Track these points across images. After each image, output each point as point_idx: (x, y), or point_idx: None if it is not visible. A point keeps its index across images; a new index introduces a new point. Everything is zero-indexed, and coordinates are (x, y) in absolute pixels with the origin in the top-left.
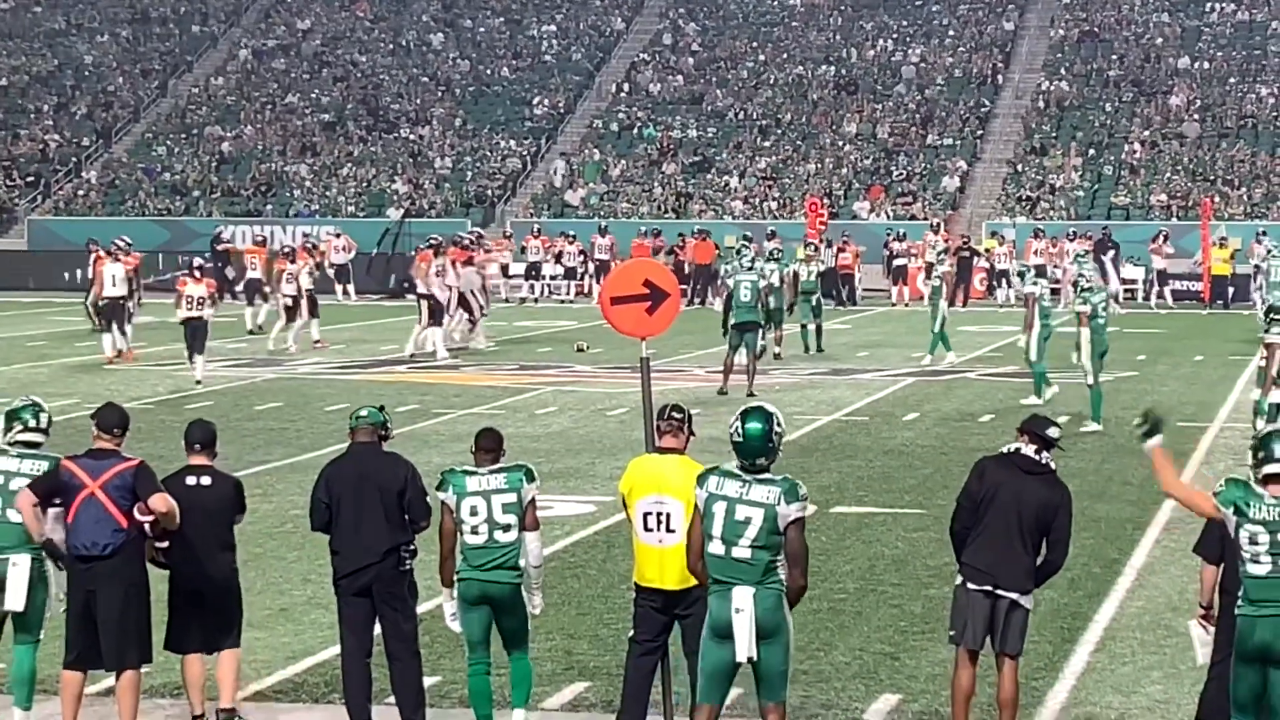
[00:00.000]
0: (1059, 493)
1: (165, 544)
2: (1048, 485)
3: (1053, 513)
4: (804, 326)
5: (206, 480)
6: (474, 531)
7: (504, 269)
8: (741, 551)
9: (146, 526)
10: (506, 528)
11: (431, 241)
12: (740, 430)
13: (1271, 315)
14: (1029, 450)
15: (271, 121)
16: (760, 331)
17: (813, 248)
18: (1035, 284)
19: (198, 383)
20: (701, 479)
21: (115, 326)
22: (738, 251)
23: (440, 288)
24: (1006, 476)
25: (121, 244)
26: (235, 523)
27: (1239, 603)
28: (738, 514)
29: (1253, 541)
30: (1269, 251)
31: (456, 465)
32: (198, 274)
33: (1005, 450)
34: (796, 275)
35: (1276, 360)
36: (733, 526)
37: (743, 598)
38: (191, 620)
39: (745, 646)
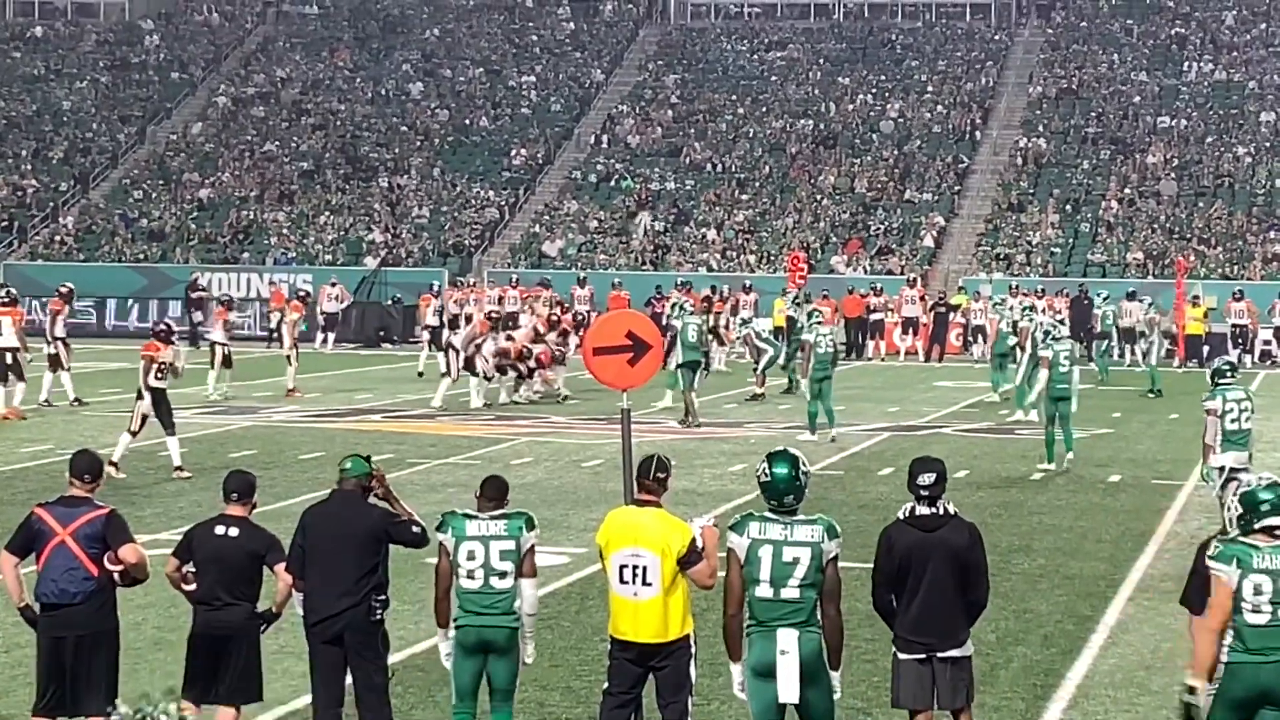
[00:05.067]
0: (966, 534)
1: (192, 587)
2: (954, 532)
3: (966, 554)
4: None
5: (234, 531)
6: (470, 576)
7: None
8: (790, 592)
9: (116, 576)
10: (503, 574)
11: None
12: (768, 472)
13: (1215, 380)
14: (923, 509)
15: (250, 169)
16: (700, 367)
17: (797, 298)
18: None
19: (178, 469)
20: (740, 526)
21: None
22: (677, 305)
23: (465, 339)
24: (914, 540)
25: (62, 291)
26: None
27: (1230, 649)
28: (785, 555)
29: (1256, 592)
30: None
31: (458, 508)
32: (171, 338)
33: (902, 516)
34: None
35: (1209, 428)
36: (781, 568)
37: (788, 640)
38: (202, 669)
39: (791, 688)
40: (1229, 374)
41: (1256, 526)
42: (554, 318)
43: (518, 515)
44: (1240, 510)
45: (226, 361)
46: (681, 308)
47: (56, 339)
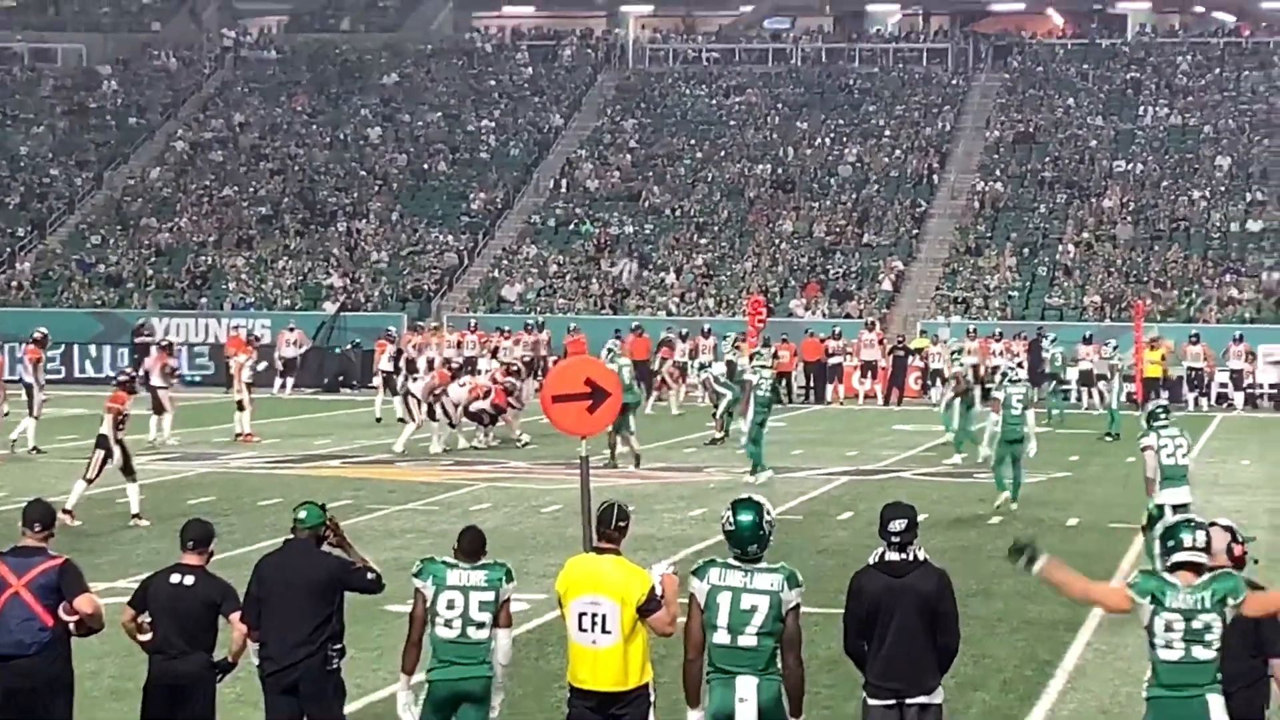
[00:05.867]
0: (935, 580)
1: (148, 636)
2: (923, 578)
3: (936, 601)
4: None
5: (190, 580)
6: (447, 625)
7: (446, 362)
8: (748, 640)
9: (72, 626)
10: (480, 625)
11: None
12: (733, 520)
13: (1149, 421)
14: (893, 555)
15: (208, 214)
16: (634, 410)
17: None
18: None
19: (136, 516)
20: (701, 571)
21: None
22: (609, 350)
23: (424, 390)
24: (883, 585)
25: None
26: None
27: (1148, 685)
28: (743, 603)
29: (1168, 629)
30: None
31: (436, 555)
32: (135, 388)
33: (872, 562)
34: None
35: (1149, 463)
36: (739, 615)
37: (746, 687)
38: (159, 719)
39: None
40: (1163, 415)
41: (1175, 562)
42: (514, 366)
43: (498, 566)
44: (1161, 548)
45: (159, 407)
46: (611, 351)
47: (34, 384)
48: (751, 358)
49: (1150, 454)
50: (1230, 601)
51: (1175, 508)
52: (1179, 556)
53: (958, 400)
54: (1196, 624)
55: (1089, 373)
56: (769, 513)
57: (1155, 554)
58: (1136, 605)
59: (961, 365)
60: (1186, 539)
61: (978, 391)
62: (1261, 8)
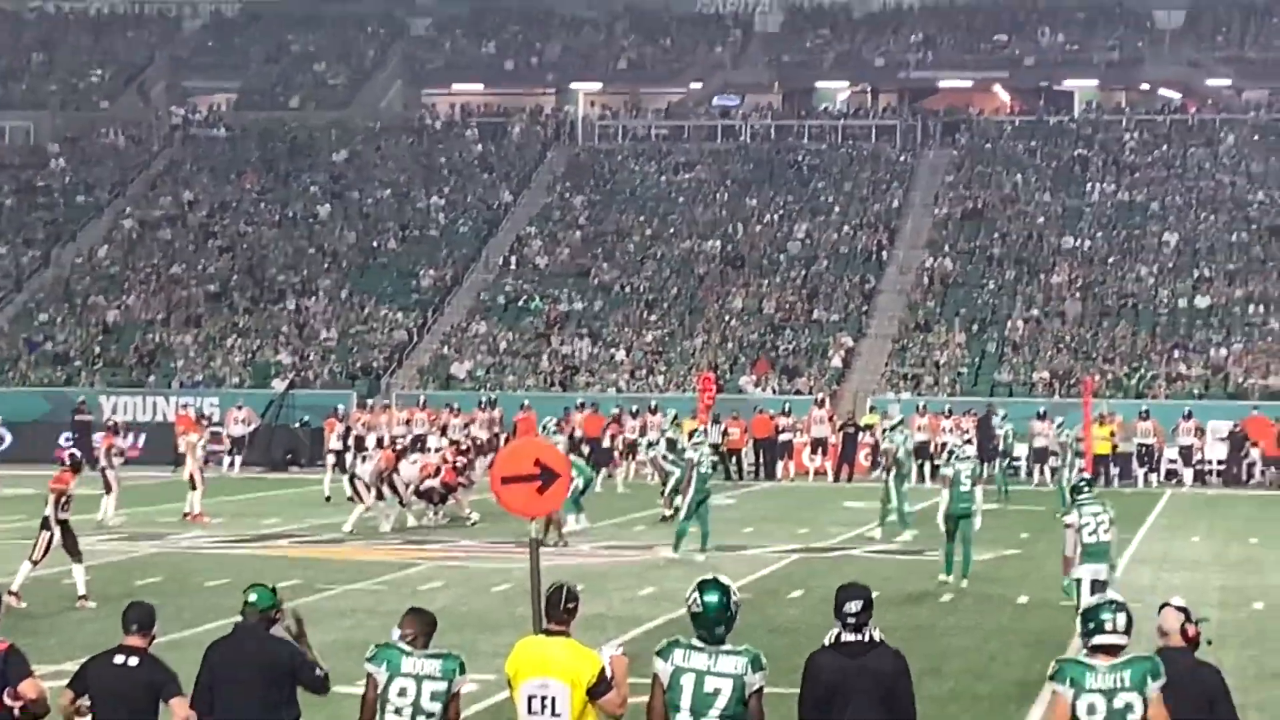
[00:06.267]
0: (892, 662)
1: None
2: (879, 659)
3: (892, 682)
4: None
5: (134, 661)
6: (397, 712)
7: (393, 441)
8: None
9: (16, 711)
10: (430, 715)
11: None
12: (699, 601)
13: (1074, 496)
14: (849, 635)
15: (156, 291)
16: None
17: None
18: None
19: (82, 598)
20: (665, 652)
21: None
22: (544, 427)
23: (372, 474)
24: (839, 668)
25: None
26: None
27: None
28: (707, 685)
29: (1090, 711)
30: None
31: (390, 640)
32: (81, 468)
33: (827, 643)
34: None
35: (1068, 541)
36: (702, 698)
37: None
38: None
39: None
40: (1087, 490)
41: (1095, 645)
42: (464, 445)
43: (452, 657)
44: (1082, 628)
45: (108, 486)
46: (545, 428)
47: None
48: (691, 435)
49: (1071, 532)
50: (1150, 682)
51: (1094, 583)
52: (1098, 639)
53: (890, 475)
54: (1118, 703)
55: (1043, 449)
56: (736, 593)
57: (1079, 632)
58: (1062, 697)
59: (892, 441)
60: (1107, 622)
61: (913, 466)
62: (1207, 85)
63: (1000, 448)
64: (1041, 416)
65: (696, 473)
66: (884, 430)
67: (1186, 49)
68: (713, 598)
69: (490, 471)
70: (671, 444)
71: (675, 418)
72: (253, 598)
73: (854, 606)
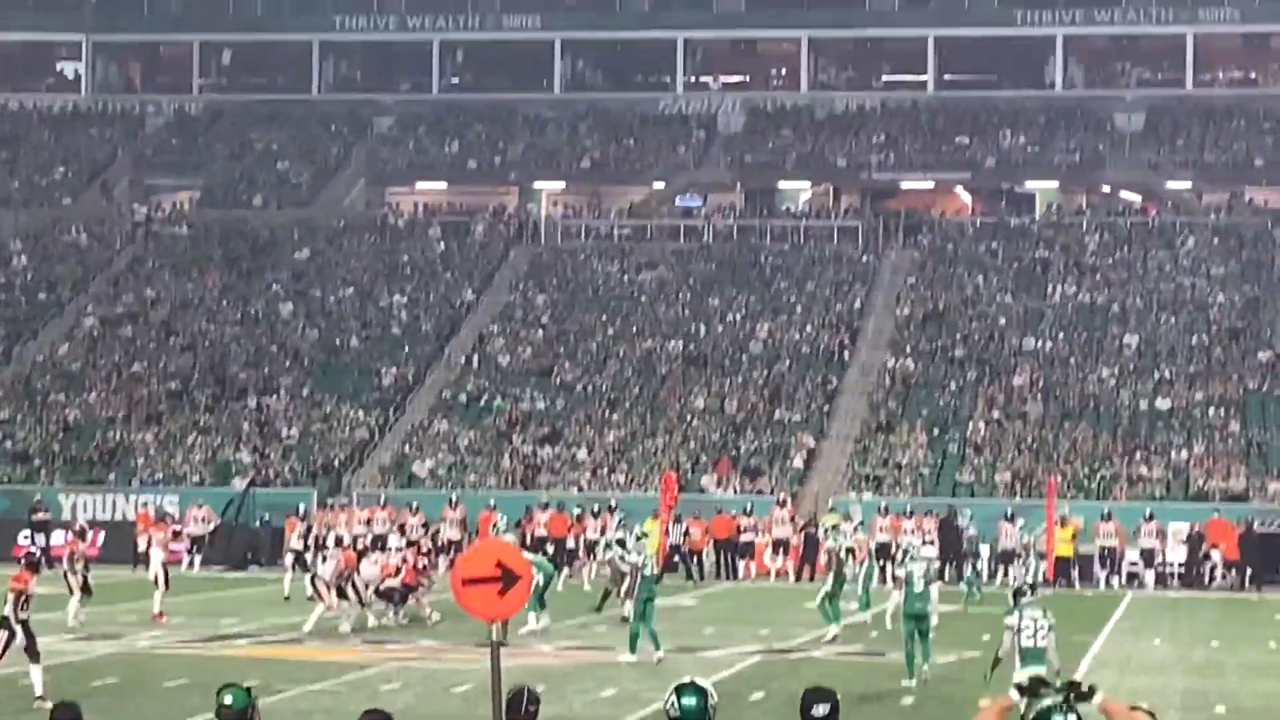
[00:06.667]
0: None
1: None
2: None
3: None
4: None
5: None
6: None
7: (353, 541)
8: None
9: None
10: None
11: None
12: (677, 705)
13: (1015, 599)
14: None
15: (117, 389)
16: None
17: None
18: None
19: (40, 698)
20: None
21: None
22: (494, 526)
23: (332, 574)
24: None
25: None
26: None
27: None
28: None
29: None
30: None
31: None
32: (40, 567)
33: None
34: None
35: (1005, 642)
36: None
37: None
38: None
39: None
40: (1029, 593)
41: None
42: (424, 546)
43: None
44: None
45: (74, 589)
46: (496, 526)
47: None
48: (638, 538)
49: (1009, 634)
50: None
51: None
52: None
53: (831, 576)
54: None
55: (1009, 551)
56: (713, 696)
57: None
58: None
59: (835, 541)
60: None
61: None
62: (1167, 188)
63: (970, 550)
64: (1009, 518)
65: (641, 574)
66: (824, 530)
67: (1147, 152)
68: (690, 700)
69: (451, 572)
70: (622, 544)
71: (621, 520)
72: (228, 699)
73: (821, 710)
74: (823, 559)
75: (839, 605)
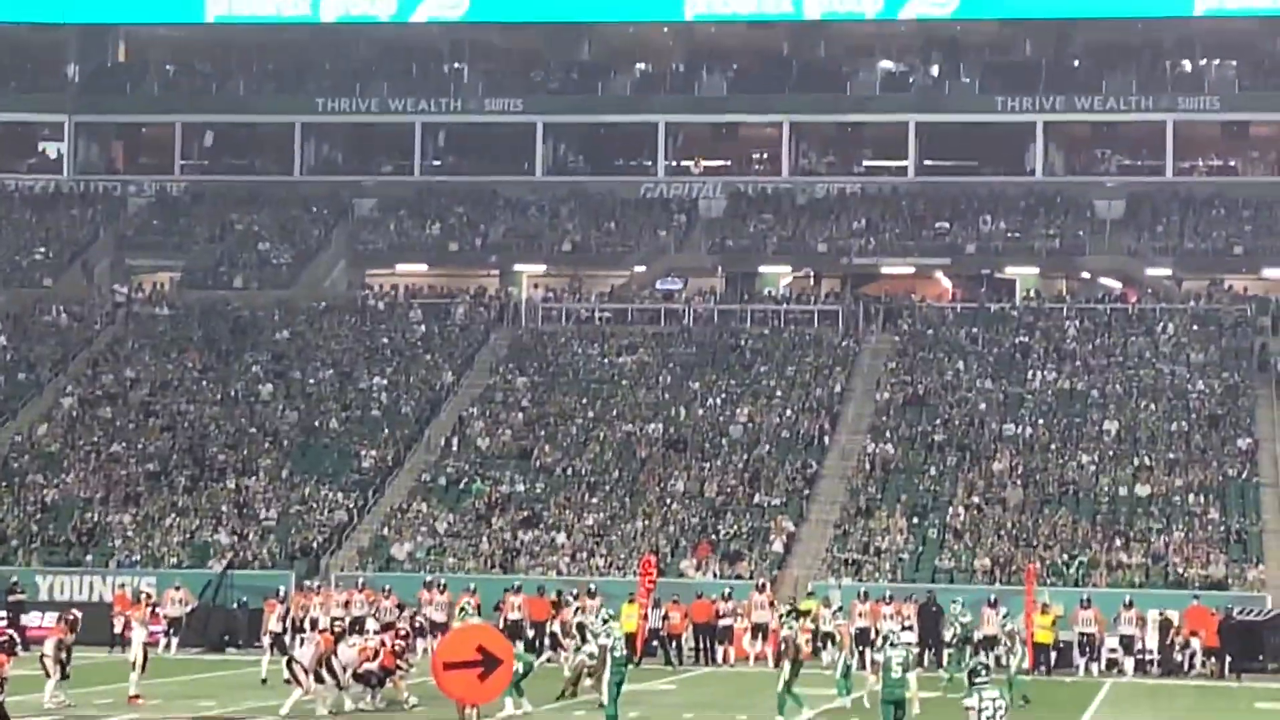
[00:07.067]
0: None
1: None
2: None
3: None
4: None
5: None
6: None
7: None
8: None
9: None
10: None
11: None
12: None
13: (971, 680)
14: None
15: (95, 470)
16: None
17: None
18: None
19: None
20: None
21: None
22: (462, 609)
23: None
24: None
25: None
26: None
27: None
28: None
29: None
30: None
31: None
32: (15, 650)
33: None
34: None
35: None
36: None
37: None
38: None
39: None
40: (984, 673)
41: None
42: (402, 630)
43: None
44: None
45: (50, 672)
46: (464, 610)
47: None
48: (606, 620)
49: (972, 714)
50: None
51: None
52: None
53: (787, 665)
54: None
55: (991, 637)
56: None
57: None
58: None
59: (791, 629)
60: None
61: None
62: (1146, 275)
63: (959, 636)
64: (992, 604)
65: (610, 656)
66: (780, 617)
67: (1126, 238)
68: None
69: (433, 657)
70: (582, 628)
71: (578, 608)
72: None
73: None
74: (762, 646)
75: (797, 694)
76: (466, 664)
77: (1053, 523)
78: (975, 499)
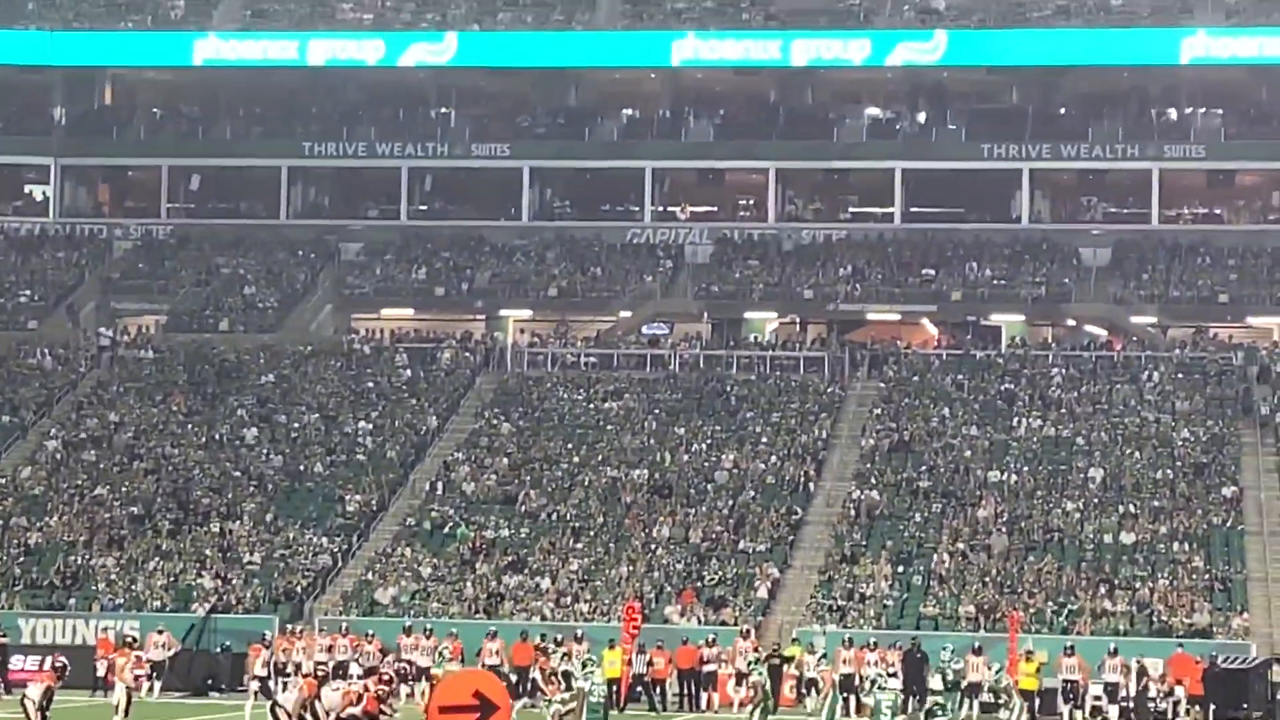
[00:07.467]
0: None
1: None
2: None
3: None
4: None
5: None
6: None
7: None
8: None
9: None
10: None
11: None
12: None
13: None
14: None
15: (79, 513)
16: None
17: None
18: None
19: None
20: None
21: None
22: (440, 654)
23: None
24: None
25: None
26: None
27: None
28: None
29: None
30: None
31: None
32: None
33: None
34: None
35: None
36: None
37: None
38: None
39: None
40: (940, 714)
41: None
42: (386, 675)
43: None
44: None
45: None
46: (441, 654)
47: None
48: (584, 665)
49: None
50: None
51: None
52: None
53: (756, 709)
54: None
55: (976, 684)
56: None
57: None
58: None
59: (760, 675)
60: None
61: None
62: (1131, 322)
63: (949, 683)
64: (977, 651)
65: (587, 702)
66: (750, 662)
67: (1112, 286)
68: None
69: (428, 703)
70: (568, 675)
71: (565, 652)
72: None
73: None
74: (747, 692)
75: None
76: (462, 708)
77: (1037, 570)
78: (960, 545)
